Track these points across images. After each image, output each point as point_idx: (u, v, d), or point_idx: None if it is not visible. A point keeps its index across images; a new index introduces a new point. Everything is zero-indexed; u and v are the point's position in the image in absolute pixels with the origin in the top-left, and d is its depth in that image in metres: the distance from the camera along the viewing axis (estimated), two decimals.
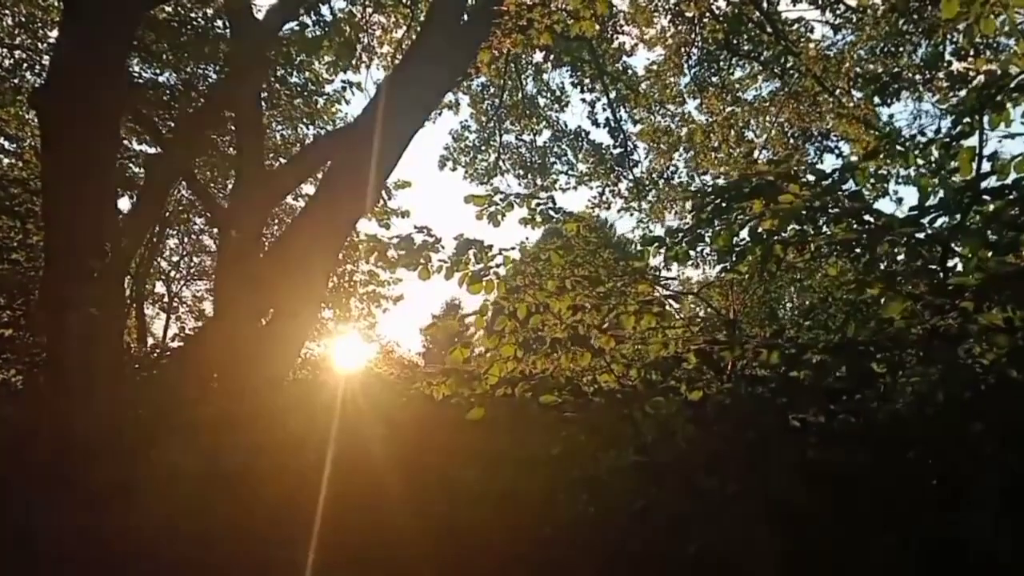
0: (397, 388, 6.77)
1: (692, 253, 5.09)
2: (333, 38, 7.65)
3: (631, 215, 17.94)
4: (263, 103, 9.98)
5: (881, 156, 4.86)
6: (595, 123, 16.47)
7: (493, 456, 5.13)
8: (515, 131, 17.72)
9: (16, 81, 13.45)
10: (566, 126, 17.81)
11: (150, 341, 19.72)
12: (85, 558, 4.83)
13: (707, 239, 4.98)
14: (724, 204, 4.65)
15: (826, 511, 2.95)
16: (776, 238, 4.64)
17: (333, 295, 16.50)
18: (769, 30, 13.15)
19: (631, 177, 17.35)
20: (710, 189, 4.93)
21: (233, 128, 10.31)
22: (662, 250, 5.21)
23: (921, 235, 4.11)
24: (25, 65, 13.38)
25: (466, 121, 17.77)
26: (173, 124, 11.19)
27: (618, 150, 16.95)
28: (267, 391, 6.26)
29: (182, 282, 22.93)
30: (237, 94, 7.17)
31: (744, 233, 4.98)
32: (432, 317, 56.23)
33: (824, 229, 4.67)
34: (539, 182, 17.80)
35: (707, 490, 3.44)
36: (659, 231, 18.16)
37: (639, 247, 5.56)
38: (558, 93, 17.26)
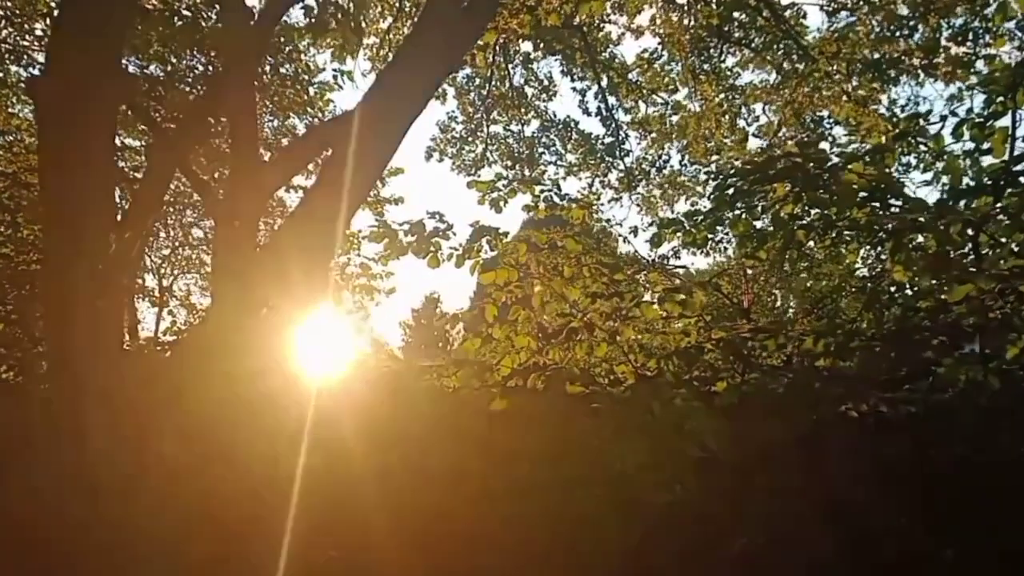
0: (403, 382, 6.63)
1: (710, 237, 4.98)
2: (340, 21, 7.49)
3: (621, 206, 17.79)
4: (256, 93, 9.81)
5: (911, 138, 4.72)
6: (586, 112, 16.33)
7: (508, 450, 5.01)
8: (503, 121, 17.51)
9: (1, 75, 13.22)
10: (555, 116, 17.63)
11: (139, 336, 19.44)
12: (88, 553, 4.71)
13: (727, 223, 4.84)
14: (746, 187, 4.51)
15: (889, 507, 2.83)
16: (799, 223, 4.53)
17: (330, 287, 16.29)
18: (766, 13, 12.99)
19: (622, 167, 17.21)
20: (732, 171, 4.80)
21: (226, 118, 10.15)
22: (678, 234, 5.08)
23: (951, 219, 3.99)
24: (11, 57, 13.15)
25: (453, 112, 17.56)
26: (172, 115, 11.01)
27: (609, 139, 16.81)
28: (270, 383, 6.14)
29: (173, 275, 22.65)
30: (232, 82, 6.99)
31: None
32: (412, 312, 56.46)
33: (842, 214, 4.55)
34: (527, 173, 17.62)
35: (750, 486, 3.32)
36: (645, 221, 18.13)
37: (657, 229, 5.36)
38: (546, 82, 17.08)
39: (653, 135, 16.74)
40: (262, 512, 4.94)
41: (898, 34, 12.36)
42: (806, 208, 4.56)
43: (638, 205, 18.06)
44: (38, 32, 12.72)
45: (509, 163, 17.73)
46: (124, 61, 11.42)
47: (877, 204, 4.32)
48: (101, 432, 4.85)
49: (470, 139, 17.66)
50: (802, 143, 4.57)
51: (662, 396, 4.14)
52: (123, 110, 7.54)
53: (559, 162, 17.82)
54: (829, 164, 4.26)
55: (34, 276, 9.49)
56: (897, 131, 4.99)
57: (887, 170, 4.51)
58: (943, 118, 4.60)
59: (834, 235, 4.84)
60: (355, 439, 5.38)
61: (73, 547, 4.71)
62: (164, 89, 11.77)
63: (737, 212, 4.73)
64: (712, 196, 4.83)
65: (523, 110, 17.16)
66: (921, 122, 4.59)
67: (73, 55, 5.25)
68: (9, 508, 4.97)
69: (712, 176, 5.36)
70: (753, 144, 15.64)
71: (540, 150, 17.74)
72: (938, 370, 3.26)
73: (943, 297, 4.00)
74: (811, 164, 4.25)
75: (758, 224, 4.90)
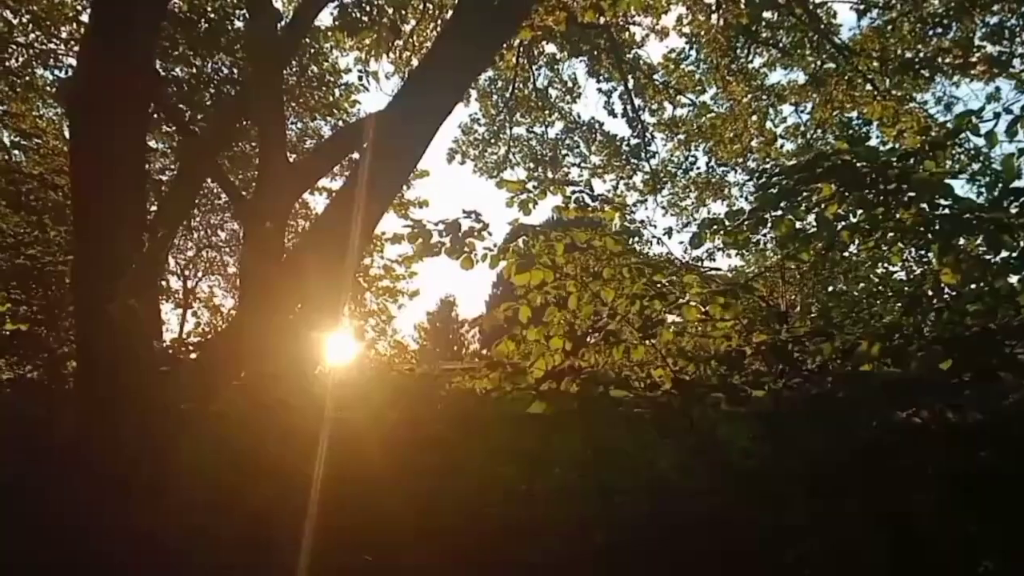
0: (437, 383, 6.56)
1: (751, 238, 4.86)
2: (374, 18, 7.42)
3: (646, 208, 17.65)
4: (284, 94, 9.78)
5: (964, 135, 4.59)
6: (611, 113, 16.22)
7: (544, 454, 4.93)
8: (526, 123, 17.41)
9: (28, 78, 13.29)
10: (579, 117, 17.51)
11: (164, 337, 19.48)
12: (116, 555, 4.67)
13: (769, 223, 4.70)
14: (791, 185, 4.38)
15: (954, 521, 2.70)
16: (843, 224, 4.41)
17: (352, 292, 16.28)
18: (799, 11, 12.80)
19: (647, 169, 17.09)
20: (778, 169, 4.67)
21: (254, 121, 10.14)
22: (718, 236, 4.96)
23: (1005, 219, 3.85)
24: (38, 61, 13.22)
25: (475, 113, 17.49)
26: (199, 116, 11.03)
27: (635, 141, 16.69)
28: (297, 384, 6.10)
29: (197, 277, 22.80)
30: (260, 85, 6.96)
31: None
32: (427, 314, 56.56)
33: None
34: (550, 175, 17.50)
35: (800, 495, 3.20)
36: (669, 223, 18.06)
37: (697, 229, 5.23)
38: (571, 84, 16.94)
39: (680, 137, 16.59)
40: (291, 513, 4.89)
41: (931, 33, 12.18)
42: (850, 209, 4.44)
43: (663, 207, 17.96)
44: (64, 35, 12.80)
45: (532, 165, 17.65)
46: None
47: (925, 205, 4.19)
48: (132, 433, 4.81)
49: (493, 141, 17.59)
50: (851, 139, 4.44)
51: (703, 401, 4.03)
52: (153, 111, 7.53)
53: (583, 164, 17.73)
54: (880, 162, 4.12)
55: (60, 277, 9.50)
56: (949, 128, 4.84)
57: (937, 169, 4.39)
58: (996, 115, 4.47)
59: (878, 236, 4.70)
60: (382, 443, 5.32)
61: (104, 548, 4.68)
62: (191, 91, 11.78)
63: (780, 212, 4.60)
64: (755, 195, 4.71)
65: (547, 112, 17.06)
66: (973, 119, 4.45)
67: (104, 58, 5.24)
68: (41, 508, 4.94)
69: (756, 175, 5.23)
70: (781, 146, 15.50)
71: (564, 152, 17.64)
72: (1003, 375, 3.13)
73: (987, 299, 3.88)
74: (860, 163, 4.12)
75: (800, 225, 4.78)
